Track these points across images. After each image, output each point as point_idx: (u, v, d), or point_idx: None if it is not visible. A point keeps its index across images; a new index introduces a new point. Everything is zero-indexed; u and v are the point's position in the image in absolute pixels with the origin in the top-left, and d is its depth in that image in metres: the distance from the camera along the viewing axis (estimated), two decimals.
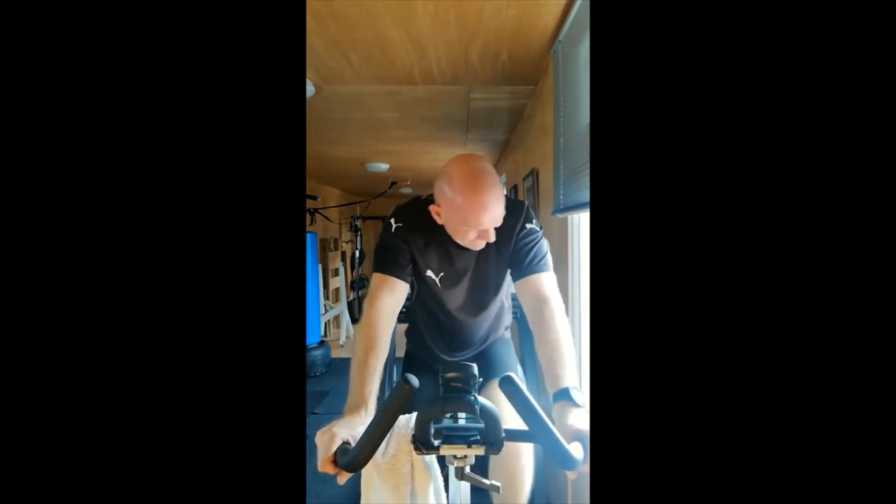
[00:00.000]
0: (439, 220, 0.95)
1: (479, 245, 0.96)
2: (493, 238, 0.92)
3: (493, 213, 0.88)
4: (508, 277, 1.08)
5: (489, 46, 1.56)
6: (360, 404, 0.81)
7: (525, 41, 1.53)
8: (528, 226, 1.00)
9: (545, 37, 1.50)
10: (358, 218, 5.08)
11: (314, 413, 3.01)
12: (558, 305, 0.92)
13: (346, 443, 0.72)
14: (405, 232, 1.00)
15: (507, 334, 1.31)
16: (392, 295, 0.96)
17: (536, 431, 0.64)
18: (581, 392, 0.77)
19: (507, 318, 1.26)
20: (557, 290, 0.96)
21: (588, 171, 1.08)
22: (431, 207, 0.96)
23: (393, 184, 4.75)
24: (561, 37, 1.43)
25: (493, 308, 1.15)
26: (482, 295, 1.08)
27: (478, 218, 0.88)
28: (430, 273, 1.04)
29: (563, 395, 0.77)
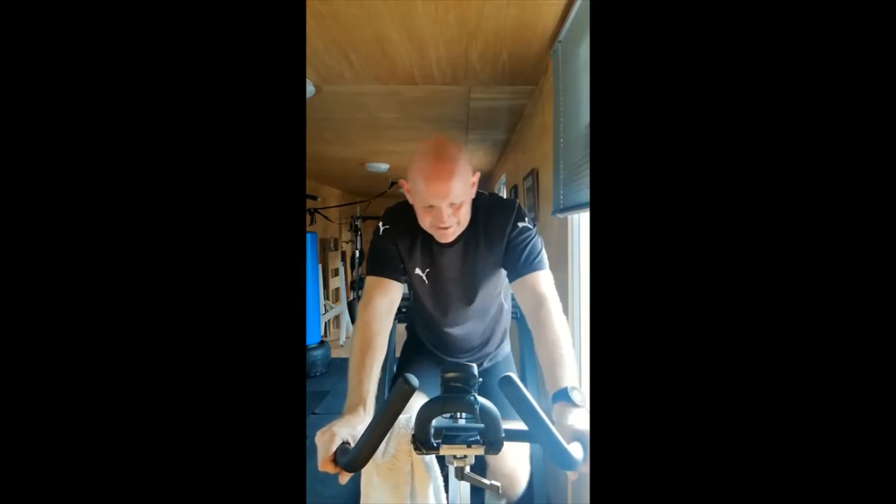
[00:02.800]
0: (409, 199, 0.97)
1: (443, 235, 0.95)
2: (447, 223, 0.91)
3: (443, 187, 0.87)
4: (506, 280, 1.08)
5: (489, 46, 1.56)
6: (358, 404, 0.81)
7: (525, 41, 1.53)
8: (521, 224, 0.99)
9: (545, 37, 1.50)
10: (358, 218, 5.07)
11: (314, 413, 3.01)
12: (555, 305, 0.92)
13: (345, 443, 0.72)
14: (392, 233, 1.02)
15: (508, 346, 1.29)
16: (385, 296, 0.98)
17: (536, 431, 0.64)
18: (580, 392, 0.77)
19: (507, 323, 1.26)
20: (554, 288, 0.96)
21: (588, 172, 1.08)
22: (402, 183, 0.97)
23: (393, 184, 4.74)
24: (561, 37, 1.43)
25: (486, 310, 1.14)
26: (470, 293, 1.07)
27: (427, 189, 0.88)
28: (417, 271, 1.05)
29: (563, 395, 0.77)
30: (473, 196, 0.98)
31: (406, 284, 1.06)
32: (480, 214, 1.00)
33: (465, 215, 0.95)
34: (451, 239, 0.98)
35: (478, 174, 0.97)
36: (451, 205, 0.91)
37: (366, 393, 0.83)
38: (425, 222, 0.94)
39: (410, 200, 0.97)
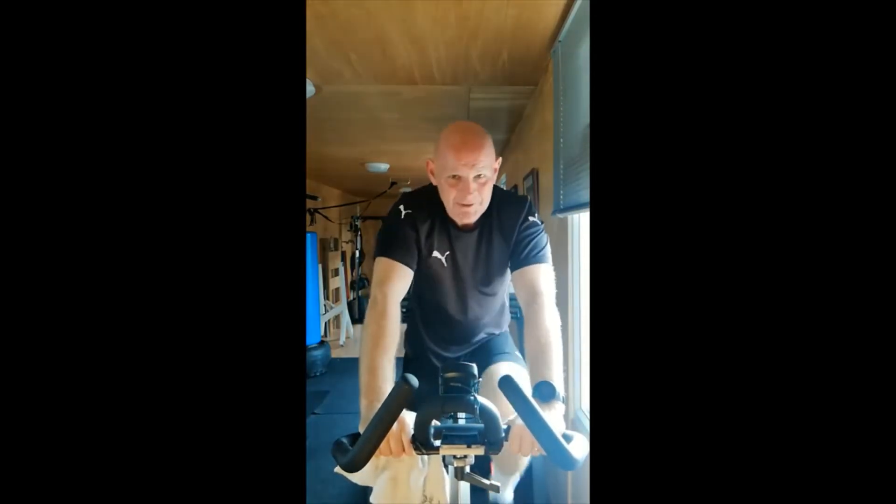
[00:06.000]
0: (433, 180, 1.01)
1: (465, 213, 0.97)
2: (471, 198, 0.94)
3: (471, 156, 0.91)
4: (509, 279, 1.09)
5: (489, 47, 1.56)
6: (379, 398, 0.79)
7: (525, 41, 1.53)
8: (531, 219, 1.03)
9: (545, 37, 1.49)
10: (358, 218, 5.07)
11: (314, 413, 3.01)
12: (549, 300, 0.94)
13: (344, 443, 0.72)
14: (413, 218, 1.02)
15: (506, 329, 1.31)
16: (402, 282, 0.98)
17: (536, 432, 0.64)
18: (555, 387, 0.77)
19: (507, 318, 1.27)
20: (552, 283, 0.98)
21: (588, 171, 1.08)
22: (427, 163, 1.01)
23: (393, 184, 4.75)
24: (561, 37, 1.43)
25: (495, 300, 1.16)
26: (485, 279, 1.09)
27: (457, 158, 0.91)
28: (436, 254, 1.06)
29: (538, 389, 0.77)
30: (495, 181, 1.01)
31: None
32: (495, 206, 1.03)
33: (487, 196, 0.98)
34: (471, 220, 1.00)
35: (500, 160, 1.01)
36: (478, 178, 0.94)
37: (385, 385, 0.81)
38: (449, 199, 0.96)
39: (434, 180, 1.00)
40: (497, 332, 1.25)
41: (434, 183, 1.01)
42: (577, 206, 1.28)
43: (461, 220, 1.01)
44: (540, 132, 1.94)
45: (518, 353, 1.26)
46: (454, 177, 0.93)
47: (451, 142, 0.93)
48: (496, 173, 1.00)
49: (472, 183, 0.93)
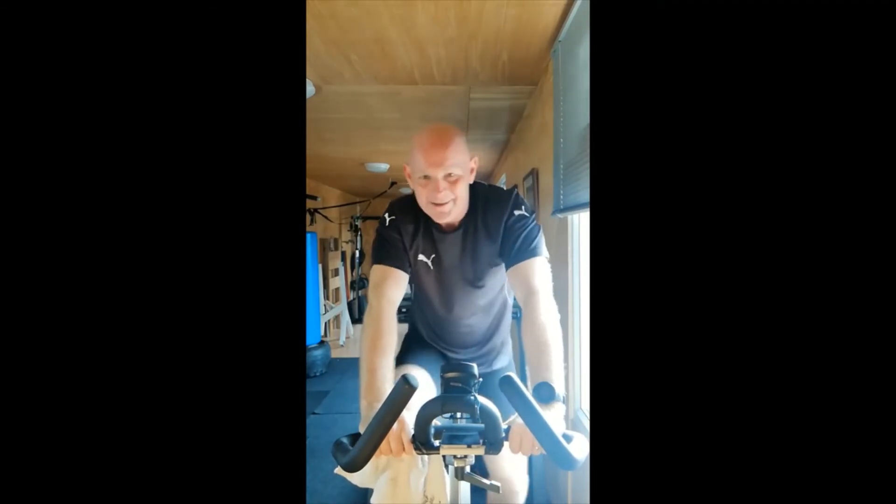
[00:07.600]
0: (411, 184, 1.00)
1: (439, 213, 0.97)
2: (441, 197, 0.93)
3: (438, 154, 0.91)
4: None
5: (489, 47, 1.56)
6: (379, 398, 0.80)
7: (525, 41, 1.53)
8: (517, 212, 1.00)
9: (545, 37, 1.49)
10: (358, 218, 5.07)
11: (314, 413, 3.01)
12: (545, 296, 0.92)
13: (344, 443, 0.72)
14: (397, 223, 1.04)
15: (510, 353, 1.28)
16: (396, 285, 0.99)
17: (536, 431, 0.64)
18: (554, 387, 0.76)
19: (509, 320, 1.26)
20: (548, 276, 0.97)
21: (588, 171, 1.08)
22: (404, 167, 1.01)
23: (393, 184, 4.75)
24: (561, 37, 1.43)
25: (490, 303, 1.14)
26: (473, 282, 1.08)
27: (424, 158, 0.92)
28: (422, 257, 1.06)
29: (538, 390, 0.76)
30: (471, 181, 1.01)
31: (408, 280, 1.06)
32: (479, 203, 1.02)
33: (461, 195, 0.97)
34: (447, 219, 0.99)
35: (476, 158, 1.00)
36: (448, 177, 0.93)
37: (385, 388, 0.82)
38: (422, 198, 0.96)
39: (411, 184, 1.00)
40: (500, 345, 1.23)
41: (411, 186, 1.01)
42: (577, 206, 1.28)
43: (438, 220, 1.01)
44: (540, 132, 1.94)
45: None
46: (425, 177, 0.94)
47: (419, 143, 0.94)
48: (473, 172, 1.00)
49: (442, 182, 0.93)
